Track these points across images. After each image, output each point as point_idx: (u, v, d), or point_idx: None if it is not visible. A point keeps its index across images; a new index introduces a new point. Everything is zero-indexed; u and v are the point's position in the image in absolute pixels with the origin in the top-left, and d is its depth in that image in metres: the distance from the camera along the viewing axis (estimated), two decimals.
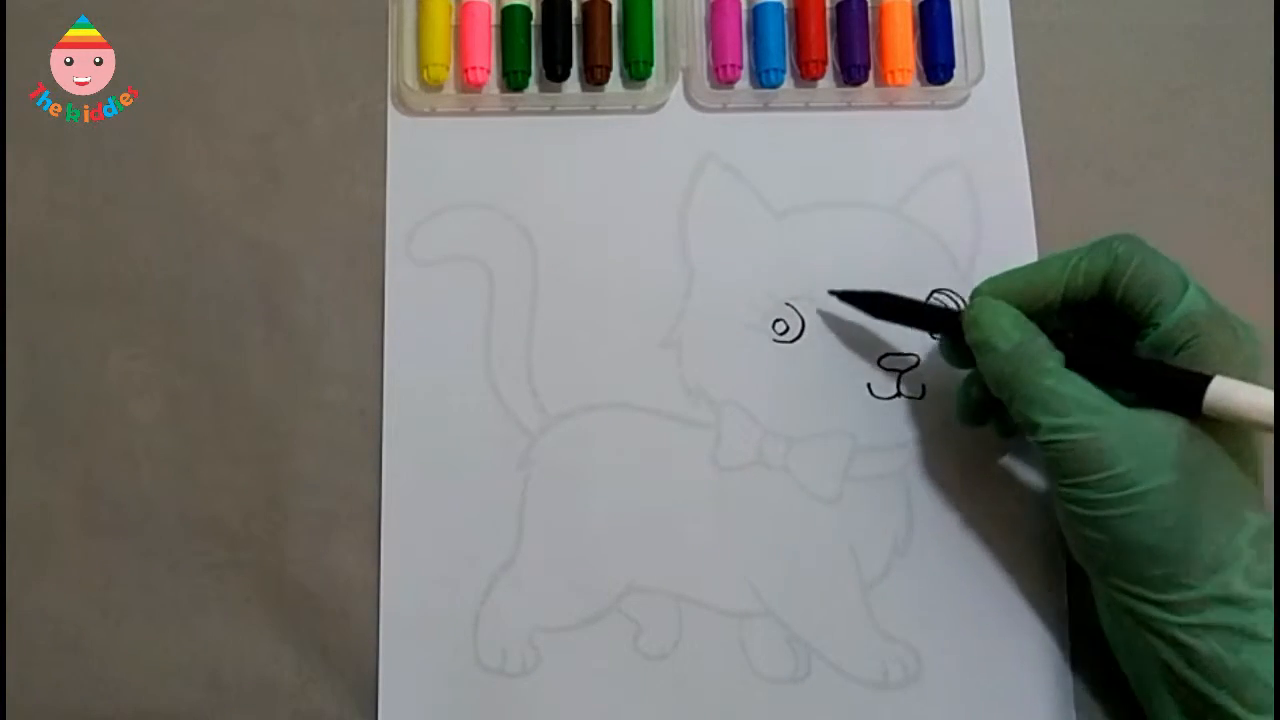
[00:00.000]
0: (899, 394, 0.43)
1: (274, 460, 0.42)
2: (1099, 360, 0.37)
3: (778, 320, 0.43)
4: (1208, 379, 0.34)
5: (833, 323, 0.43)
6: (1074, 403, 0.35)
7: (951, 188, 0.44)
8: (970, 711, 0.40)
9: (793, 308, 0.43)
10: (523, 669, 0.41)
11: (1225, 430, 0.35)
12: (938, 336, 0.42)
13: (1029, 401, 0.36)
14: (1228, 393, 0.34)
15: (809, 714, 0.40)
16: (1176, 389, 0.35)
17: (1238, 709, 0.34)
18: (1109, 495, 0.34)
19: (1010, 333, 0.37)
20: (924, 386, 0.43)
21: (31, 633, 0.41)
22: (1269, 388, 0.35)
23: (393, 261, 0.43)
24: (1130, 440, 0.34)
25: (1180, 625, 0.34)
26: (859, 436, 0.42)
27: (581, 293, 0.43)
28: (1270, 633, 0.33)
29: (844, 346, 0.43)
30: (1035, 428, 0.36)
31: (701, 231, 0.44)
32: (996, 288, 0.39)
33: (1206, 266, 0.44)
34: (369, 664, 0.41)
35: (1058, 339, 0.37)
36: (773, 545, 0.42)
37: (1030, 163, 0.45)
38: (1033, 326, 0.37)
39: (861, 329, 0.43)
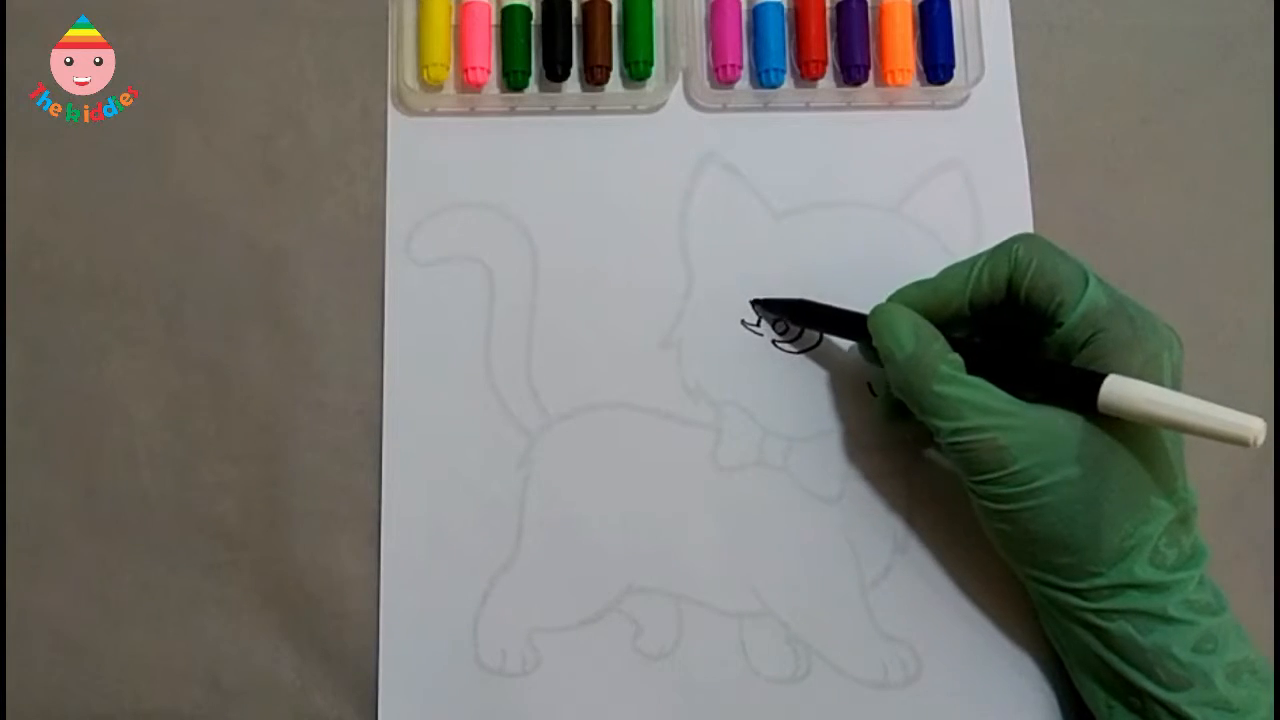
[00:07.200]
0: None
1: (274, 460, 0.42)
2: (1001, 363, 0.37)
3: (778, 320, 0.43)
4: (1101, 377, 0.34)
5: None
6: (967, 406, 0.36)
7: (951, 188, 0.44)
8: (970, 711, 0.41)
9: None
10: (522, 669, 0.41)
11: (1130, 423, 0.35)
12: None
13: (923, 408, 0.37)
14: (1121, 391, 0.34)
15: (809, 714, 0.40)
16: (1074, 388, 0.35)
17: (1154, 687, 0.35)
18: (1013, 490, 0.35)
19: (905, 341, 0.37)
20: None
21: (31, 633, 0.41)
22: (1175, 379, 0.35)
23: (393, 261, 0.43)
24: (1029, 438, 0.35)
25: (1093, 610, 0.36)
26: (859, 436, 0.42)
27: (581, 293, 0.43)
28: (1182, 614, 0.35)
29: (844, 346, 0.43)
30: (936, 430, 0.37)
31: (701, 231, 0.44)
32: (904, 297, 0.39)
33: (1207, 266, 0.45)
34: (369, 664, 0.41)
35: (965, 344, 0.37)
36: (773, 545, 0.42)
37: (1030, 163, 0.45)
38: (931, 333, 0.37)
39: None
